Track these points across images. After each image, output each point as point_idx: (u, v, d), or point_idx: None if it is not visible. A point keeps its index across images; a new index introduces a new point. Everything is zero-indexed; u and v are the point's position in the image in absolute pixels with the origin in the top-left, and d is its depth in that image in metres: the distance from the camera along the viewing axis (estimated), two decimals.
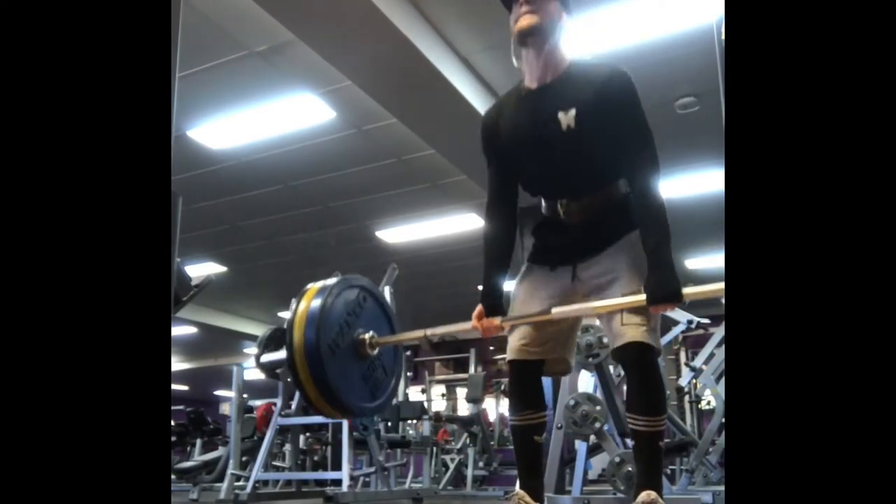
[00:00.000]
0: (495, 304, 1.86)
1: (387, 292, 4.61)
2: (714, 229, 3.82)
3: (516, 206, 1.91)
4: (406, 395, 6.04)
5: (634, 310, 1.67)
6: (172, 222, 1.91)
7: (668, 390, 4.58)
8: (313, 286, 2.18)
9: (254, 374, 4.95)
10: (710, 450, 4.86)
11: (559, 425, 3.00)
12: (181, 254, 2.45)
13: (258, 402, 5.29)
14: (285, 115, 4.75)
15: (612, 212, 1.78)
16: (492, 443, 7.71)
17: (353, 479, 4.11)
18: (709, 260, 7.39)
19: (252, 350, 6.76)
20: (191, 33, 2.79)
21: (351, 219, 6.69)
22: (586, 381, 3.28)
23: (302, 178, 5.80)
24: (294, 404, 4.26)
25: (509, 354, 1.84)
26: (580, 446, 3.18)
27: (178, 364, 13.13)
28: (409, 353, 7.14)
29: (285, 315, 4.29)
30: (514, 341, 1.83)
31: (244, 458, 4.98)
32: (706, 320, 4.52)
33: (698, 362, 5.26)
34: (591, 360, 3.07)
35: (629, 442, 2.78)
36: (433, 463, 6.48)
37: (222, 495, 4.30)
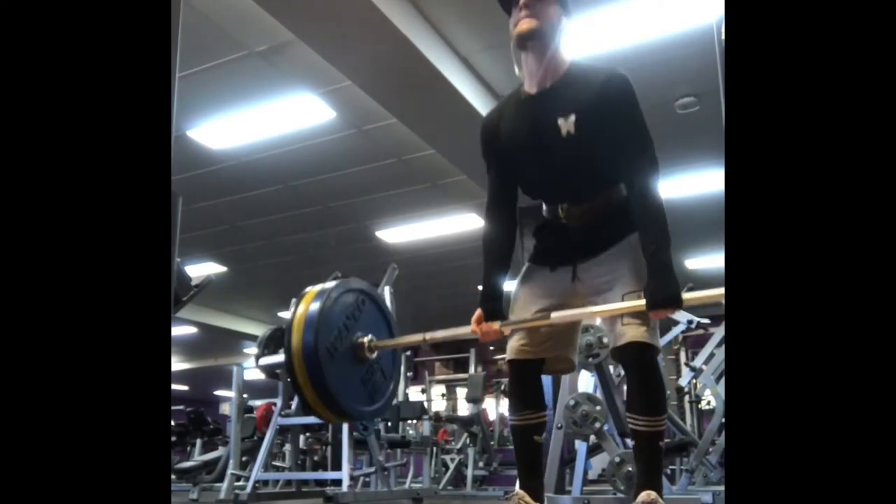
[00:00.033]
0: (494, 308, 1.85)
1: (387, 292, 4.61)
2: (714, 229, 3.82)
3: (516, 207, 1.91)
4: (406, 395, 6.04)
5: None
6: (172, 222, 1.91)
7: (668, 390, 4.57)
8: (312, 289, 2.17)
9: (254, 374, 4.95)
10: (710, 450, 4.86)
11: (559, 425, 3.00)
12: (181, 254, 2.45)
13: (258, 402, 5.28)
14: (285, 115, 4.75)
15: (612, 215, 1.78)
16: (492, 443, 7.71)
17: (353, 479, 4.11)
18: (709, 260, 7.39)
19: (252, 350, 6.77)
20: (191, 33, 2.79)
21: (351, 219, 6.69)
22: (586, 381, 3.28)
23: (302, 178, 5.80)
24: (294, 404, 4.25)
25: (509, 354, 1.84)
26: (580, 446, 3.18)
27: (178, 364, 13.13)
28: (409, 353, 7.13)
29: (285, 315, 4.29)
30: (514, 341, 1.83)
31: (244, 458, 4.98)
32: (706, 320, 4.52)
33: (698, 362, 5.26)
34: (591, 360, 3.06)
35: (629, 442, 2.78)
36: (433, 463, 6.48)
37: (222, 495, 4.29)
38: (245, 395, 5.03)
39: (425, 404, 6.84)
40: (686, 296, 1.64)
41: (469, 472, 6.58)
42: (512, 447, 1.94)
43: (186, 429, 6.90)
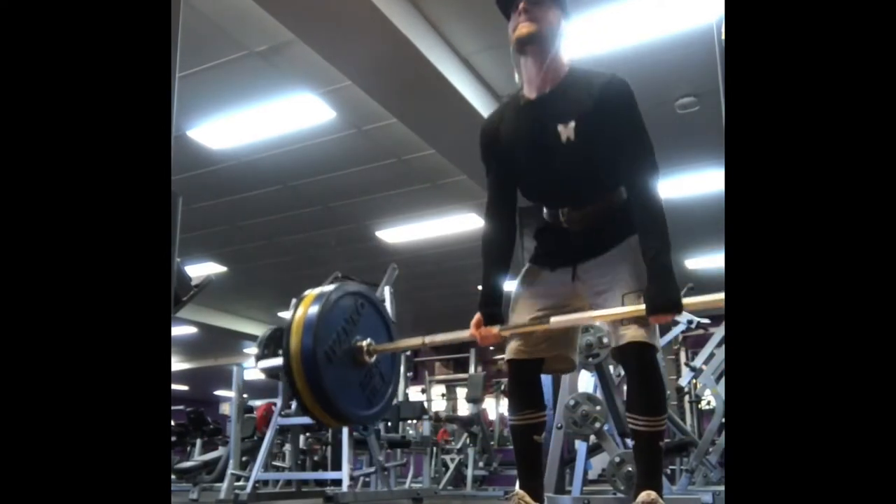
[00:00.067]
0: (494, 312, 1.85)
1: (387, 292, 4.61)
2: (714, 229, 3.81)
3: (515, 209, 1.91)
4: (406, 395, 6.03)
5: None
6: (172, 222, 1.91)
7: (668, 390, 4.58)
8: (311, 292, 2.17)
9: (254, 374, 4.94)
10: (710, 450, 4.86)
11: (559, 425, 3.00)
12: (181, 254, 2.45)
13: (258, 402, 5.28)
14: (285, 115, 4.75)
15: (613, 218, 1.78)
16: (492, 443, 7.72)
17: (353, 479, 4.11)
18: (709, 260, 7.39)
19: (252, 350, 6.76)
20: (191, 33, 2.79)
21: (351, 219, 6.69)
22: (586, 381, 3.28)
23: (302, 178, 5.80)
24: (294, 404, 4.25)
25: (508, 354, 1.84)
26: (580, 446, 3.18)
27: (178, 364, 13.13)
28: (409, 353, 7.13)
29: (285, 315, 4.30)
30: (513, 341, 1.83)
31: (244, 458, 4.98)
32: (706, 320, 4.52)
33: (698, 362, 5.26)
34: (591, 360, 3.06)
35: (629, 442, 2.78)
36: (433, 463, 6.48)
37: (222, 495, 4.29)
38: (245, 395, 5.02)
39: (425, 404, 6.84)
40: (686, 301, 1.64)
41: (469, 472, 6.58)
42: (512, 447, 1.94)
43: (186, 429, 6.90)
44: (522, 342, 1.82)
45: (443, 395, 11.44)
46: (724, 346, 4.84)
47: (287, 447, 5.39)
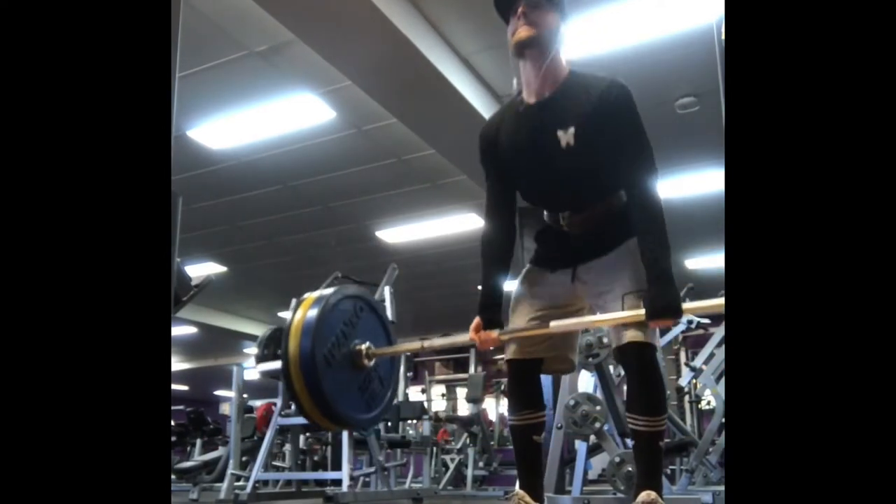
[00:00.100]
0: (493, 316, 1.85)
1: (387, 292, 4.61)
2: (714, 229, 3.82)
3: (515, 211, 1.91)
4: (406, 395, 6.04)
5: (635, 309, 1.67)
6: (172, 222, 1.91)
7: (668, 390, 4.58)
8: (310, 296, 2.17)
9: (254, 374, 4.94)
10: (710, 450, 4.86)
11: (559, 425, 3.00)
12: (181, 254, 2.45)
13: (258, 402, 5.28)
14: (285, 115, 4.75)
15: (613, 220, 1.78)
16: (492, 443, 7.72)
17: (353, 479, 4.11)
18: (709, 260, 7.39)
19: (252, 350, 6.77)
20: (191, 33, 2.79)
21: (351, 219, 6.69)
22: (586, 381, 3.28)
23: (302, 178, 5.80)
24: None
25: (507, 354, 1.84)
26: (580, 446, 3.18)
27: (178, 364, 13.13)
28: (408, 353, 7.13)
29: (285, 315, 4.31)
30: (513, 341, 1.83)
31: (244, 458, 4.98)
32: (706, 320, 4.52)
33: (698, 362, 5.26)
34: (591, 360, 3.07)
35: (629, 442, 2.78)
36: (433, 463, 6.48)
37: (222, 495, 4.29)
38: (245, 395, 5.03)
39: (425, 404, 6.85)
40: (686, 306, 1.65)
41: (469, 472, 6.58)
42: (512, 447, 1.94)
43: (186, 429, 6.90)
44: (522, 342, 1.82)
45: (443, 395, 11.45)
46: (724, 346, 4.84)
47: (287, 447, 5.39)
